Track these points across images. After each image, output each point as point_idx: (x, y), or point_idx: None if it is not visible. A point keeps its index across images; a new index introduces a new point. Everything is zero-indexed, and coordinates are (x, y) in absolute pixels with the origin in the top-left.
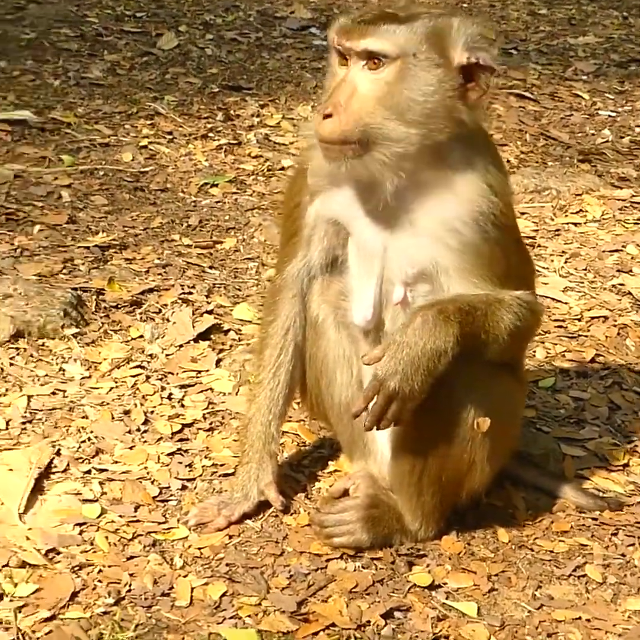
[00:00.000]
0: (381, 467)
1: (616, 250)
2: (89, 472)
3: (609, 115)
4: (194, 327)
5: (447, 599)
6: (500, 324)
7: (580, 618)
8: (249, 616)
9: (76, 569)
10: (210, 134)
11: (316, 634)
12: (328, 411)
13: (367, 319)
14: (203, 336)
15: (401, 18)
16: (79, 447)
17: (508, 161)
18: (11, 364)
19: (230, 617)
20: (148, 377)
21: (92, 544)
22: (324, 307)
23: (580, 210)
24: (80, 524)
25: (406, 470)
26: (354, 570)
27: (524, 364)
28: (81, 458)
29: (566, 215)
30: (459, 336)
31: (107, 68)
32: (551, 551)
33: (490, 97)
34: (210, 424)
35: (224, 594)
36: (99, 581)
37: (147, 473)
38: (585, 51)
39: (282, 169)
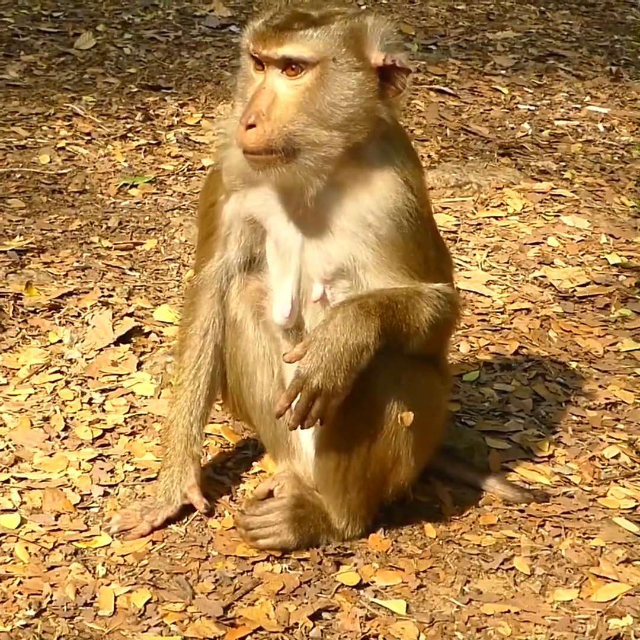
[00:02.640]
0: (306, 466)
1: (537, 243)
2: (7, 481)
3: (528, 109)
4: (114, 330)
5: (375, 597)
6: (421, 317)
7: (509, 611)
8: (175, 623)
9: None
10: (130, 134)
11: (243, 638)
12: (250, 412)
13: (286, 317)
14: (123, 339)
15: (316, 20)
16: None
17: (429, 156)
18: None
19: (155, 625)
20: (68, 382)
21: (11, 555)
22: (242, 306)
23: (501, 203)
24: None
25: (331, 468)
26: (281, 572)
27: (447, 358)
28: None
29: (487, 209)
30: (380, 330)
31: (24, 69)
32: (479, 545)
33: (407, 94)
34: (132, 428)
35: (148, 602)
36: (19, 593)
37: (68, 480)
38: (504, 46)
39: (203, 168)
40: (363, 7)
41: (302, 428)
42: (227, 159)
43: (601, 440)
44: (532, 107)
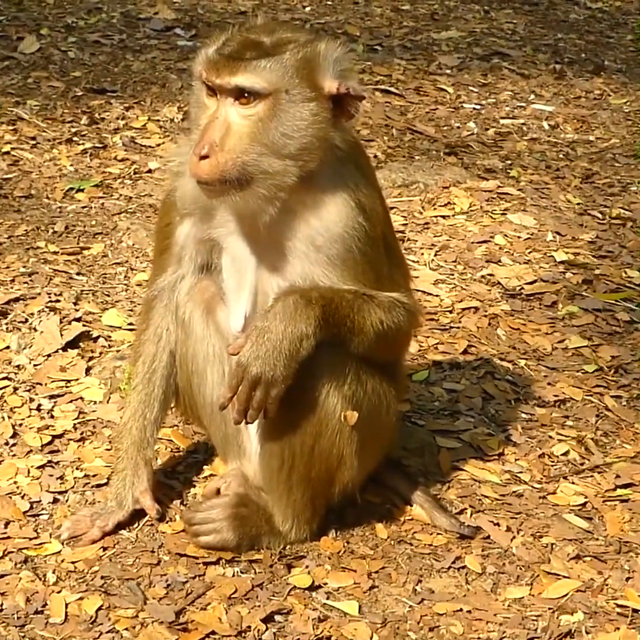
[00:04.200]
0: (255, 467)
1: (484, 241)
2: None
3: (474, 108)
4: (62, 335)
5: (328, 599)
6: (369, 318)
7: (461, 610)
8: (127, 629)
9: None
10: (75, 138)
11: None
12: (201, 412)
13: (239, 331)
14: (72, 344)
15: (269, 48)
16: None
17: (375, 156)
18: None
19: (107, 632)
20: (16, 388)
21: None
22: (190, 305)
23: (448, 202)
24: None
25: (275, 467)
26: (233, 575)
27: (403, 367)
28: None
29: (434, 208)
30: (321, 320)
31: None
32: (430, 545)
33: (360, 118)
34: (81, 434)
35: (99, 608)
36: None
37: (17, 487)
38: (449, 45)
39: (149, 171)
40: (307, 9)
41: (246, 422)
42: (181, 187)
43: (550, 437)
44: (478, 106)
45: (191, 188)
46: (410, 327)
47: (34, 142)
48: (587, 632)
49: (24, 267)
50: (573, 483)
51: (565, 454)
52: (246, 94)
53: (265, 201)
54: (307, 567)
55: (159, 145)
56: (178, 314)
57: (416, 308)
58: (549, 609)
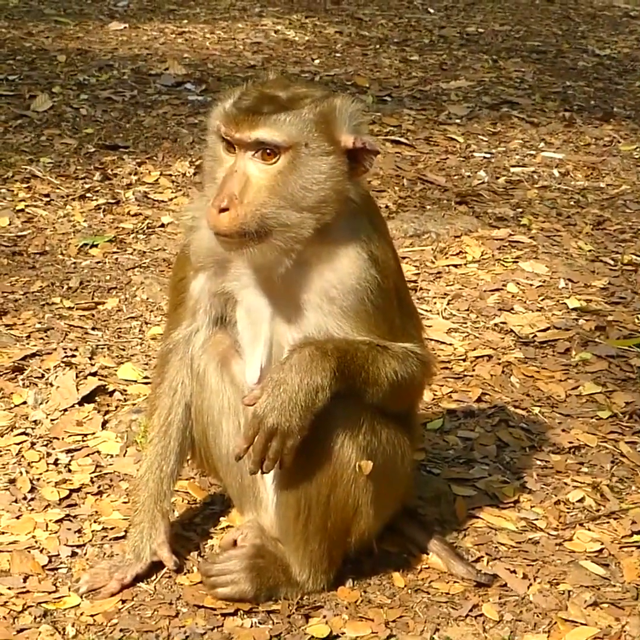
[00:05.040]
0: (271, 517)
1: (497, 289)
2: None
3: (484, 157)
4: (78, 390)
5: None
6: (384, 369)
7: None
8: None
9: None
10: (88, 194)
11: None
12: (217, 463)
13: (255, 383)
14: (88, 399)
15: (287, 103)
16: None
17: (387, 207)
18: None
19: None
20: (33, 443)
21: None
22: (205, 357)
23: (460, 251)
24: None
25: (291, 518)
26: (251, 626)
27: (417, 417)
28: None
29: (446, 258)
30: (337, 372)
31: None
32: (447, 593)
33: (372, 172)
34: (99, 487)
35: None
36: None
37: (36, 542)
38: (458, 95)
39: (162, 225)
40: (316, 61)
41: (262, 472)
42: (196, 241)
43: (566, 484)
44: (488, 155)
45: (206, 241)
46: (424, 377)
47: (47, 199)
48: None
49: (40, 323)
50: (589, 530)
51: (581, 500)
52: (266, 148)
53: (282, 253)
54: (324, 617)
55: (171, 199)
56: (193, 367)
57: (429, 358)
58: None
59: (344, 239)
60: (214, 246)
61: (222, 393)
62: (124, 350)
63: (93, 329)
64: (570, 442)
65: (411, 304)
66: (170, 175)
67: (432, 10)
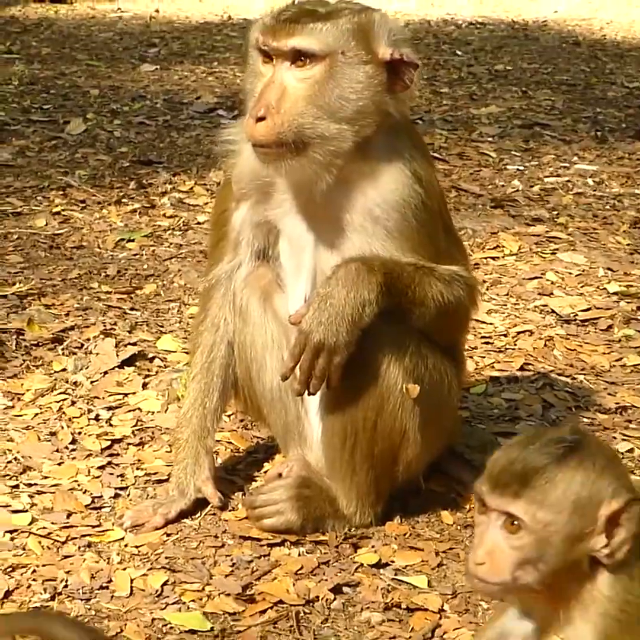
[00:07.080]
0: (317, 453)
1: (536, 277)
2: (17, 486)
3: (517, 169)
4: (117, 356)
5: (396, 575)
6: (430, 290)
7: None
8: (193, 601)
9: (8, 570)
10: (124, 200)
11: (264, 611)
12: (260, 401)
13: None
14: (128, 363)
15: (325, 15)
16: (5, 466)
17: None
18: None
19: (173, 603)
20: (74, 402)
21: (24, 548)
22: (247, 292)
23: (497, 245)
24: (10, 531)
25: (338, 446)
26: (299, 555)
27: (462, 353)
28: (8, 475)
29: (484, 251)
30: (383, 286)
31: (16, 151)
32: None
33: (415, 90)
34: (140, 439)
35: (165, 583)
36: (34, 580)
37: (78, 485)
38: (489, 119)
39: (199, 223)
40: None
41: (309, 392)
42: (237, 167)
43: (614, 438)
44: (521, 168)
45: (248, 166)
46: (470, 303)
47: (83, 204)
48: None
49: (78, 303)
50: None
51: (630, 451)
52: (302, 57)
53: (321, 168)
54: (373, 547)
55: (206, 203)
56: (235, 303)
57: (475, 282)
58: None
59: (385, 155)
60: (256, 169)
61: (266, 328)
62: (162, 326)
63: (131, 309)
64: (617, 403)
65: (456, 232)
66: (205, 184)
67: (459, 52)
